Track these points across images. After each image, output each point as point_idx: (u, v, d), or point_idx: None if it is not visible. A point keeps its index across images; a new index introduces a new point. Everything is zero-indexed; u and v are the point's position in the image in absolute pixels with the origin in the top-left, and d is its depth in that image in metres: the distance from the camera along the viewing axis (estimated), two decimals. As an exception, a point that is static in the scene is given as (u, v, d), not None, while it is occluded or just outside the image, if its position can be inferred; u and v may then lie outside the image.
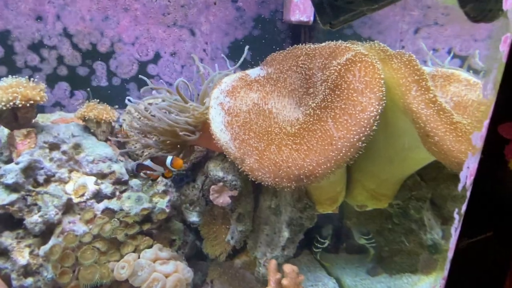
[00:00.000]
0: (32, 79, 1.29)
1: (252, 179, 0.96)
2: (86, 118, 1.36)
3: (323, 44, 1.16)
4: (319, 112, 0.95)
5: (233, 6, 1.77)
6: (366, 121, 0.88)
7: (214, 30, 1.79)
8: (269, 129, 1.01)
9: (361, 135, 0.88)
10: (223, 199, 1.18)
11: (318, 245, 1.38)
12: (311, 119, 0.95)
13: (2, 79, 1.25)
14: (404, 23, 1.79)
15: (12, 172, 1.17)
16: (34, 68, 1.63)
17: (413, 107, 0.90)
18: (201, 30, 1.78)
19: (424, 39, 1.79)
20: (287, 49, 1.29)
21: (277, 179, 0.92)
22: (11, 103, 1.18)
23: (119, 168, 1.33)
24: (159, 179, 1.42)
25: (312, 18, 1.54)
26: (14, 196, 1.16)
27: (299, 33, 1.78)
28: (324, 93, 0.97)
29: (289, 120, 1.05)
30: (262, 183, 0.95)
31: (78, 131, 1.36)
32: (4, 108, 1.18)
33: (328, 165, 0.88)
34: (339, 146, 0.88)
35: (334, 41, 1.13)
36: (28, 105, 1.20)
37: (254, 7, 1.78)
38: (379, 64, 0.95)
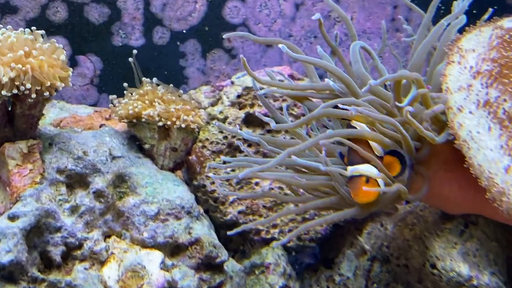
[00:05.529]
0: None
1: None
2: (141, 121, 0.64)
3: None
4: None
5: None
6: None
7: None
8: None
9: None
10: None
11: None
12: None
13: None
14: None
15: (6, 239, 0.55)
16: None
17: None
18: None
19: None
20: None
21: None
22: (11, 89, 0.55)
23: (207, 233, 0.64)
24: (275, 270, 0.76)
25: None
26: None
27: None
28: None
29: None
30: None
31: (119, 147, 0.65)
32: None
33: None
34: None
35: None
36: (45, 93, 0.58)
37: None
38: None
